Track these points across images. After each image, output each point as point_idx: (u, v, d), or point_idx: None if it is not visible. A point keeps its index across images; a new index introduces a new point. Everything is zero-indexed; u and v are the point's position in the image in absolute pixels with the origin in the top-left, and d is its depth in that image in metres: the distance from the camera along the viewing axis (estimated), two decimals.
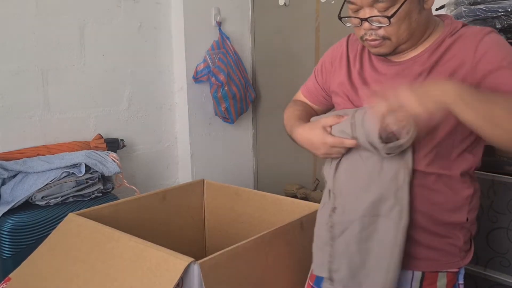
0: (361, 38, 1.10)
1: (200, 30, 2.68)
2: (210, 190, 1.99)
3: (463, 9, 1.63)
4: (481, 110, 0.90)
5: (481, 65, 1.02)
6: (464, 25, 1.10)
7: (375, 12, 1.03)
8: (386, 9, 1.02)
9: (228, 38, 2.77)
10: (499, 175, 1.58)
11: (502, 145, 0.94)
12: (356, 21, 1.07)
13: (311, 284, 1.30)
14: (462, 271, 1.17)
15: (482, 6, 1.59)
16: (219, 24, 2.77)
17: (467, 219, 1.13)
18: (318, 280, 1.26)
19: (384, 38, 1.06)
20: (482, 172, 1.55)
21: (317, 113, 1.38)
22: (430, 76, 1.07)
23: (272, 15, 2.90)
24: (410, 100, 0.90)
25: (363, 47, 1.20)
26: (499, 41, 1.05)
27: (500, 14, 1.57)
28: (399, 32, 1.05)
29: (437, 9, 1.84)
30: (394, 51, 1.09)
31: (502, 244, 1.60)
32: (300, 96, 1.42)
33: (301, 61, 2.78)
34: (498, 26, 1.57)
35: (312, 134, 1.14)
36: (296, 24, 2.79)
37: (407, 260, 1.09)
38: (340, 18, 1.10)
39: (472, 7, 1.62)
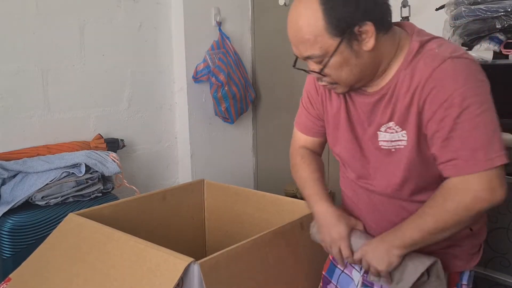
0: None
1: (200, 30, 2.68)
2: (210, 190, 1.99)
3: (463, 9, 1.63)
4: (422, 238, 1.01)
5: (426, 106, 0.97)
6: (422, 44, 1.00)
7: (314, 65, 1.03)
8: (319, 62, 1.01)
9: (228, 38, 2.77)
10: None
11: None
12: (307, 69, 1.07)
13: (324, 273, 1.34)
14: (467, 273, 1.16)
15: (482, 6, 1.59)
16: (219, 24, 2.76)
17: (471, 229, 1.12)
18: (330, 270, 1.31)
19: (332, 83, 1.05)
20: None
21: (318, 152, 1.32)
22: (397, 110, 1.03)
23: (272, 15, 2.90)
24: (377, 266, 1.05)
25: None
26: (447, 76, 0.94)
27: (500, 14, 1.56)
28: (342, 79, 1.02)
29: (437, 9, 1.83)
30: (351, 89, 1.07)
31: (502, 244, 1.60)
32: (299, 136, 1.31)
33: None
34: (498, 26, 1.57)
35: (336, 228, 1.14)
36: None
37: None
38: (295, 68, 1.13)
39: (472, 7, 1.61)
